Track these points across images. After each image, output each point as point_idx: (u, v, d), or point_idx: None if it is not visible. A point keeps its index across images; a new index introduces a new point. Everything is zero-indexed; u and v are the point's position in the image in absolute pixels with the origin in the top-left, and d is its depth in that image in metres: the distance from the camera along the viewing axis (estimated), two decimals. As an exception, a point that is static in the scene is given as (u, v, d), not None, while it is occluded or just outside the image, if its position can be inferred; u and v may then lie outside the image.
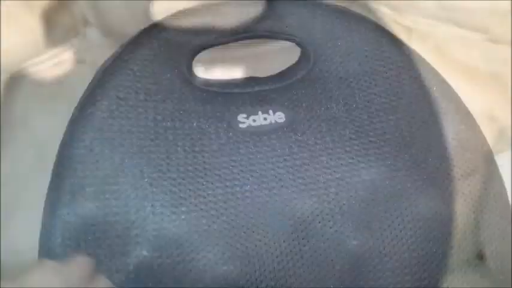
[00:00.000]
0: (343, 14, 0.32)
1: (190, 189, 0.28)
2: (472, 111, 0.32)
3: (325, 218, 0.28)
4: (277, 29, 0.31)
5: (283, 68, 0.32)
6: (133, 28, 0.31)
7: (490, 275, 0.30)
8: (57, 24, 0.36)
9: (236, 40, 0.31)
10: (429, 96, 0.31)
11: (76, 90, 0.29)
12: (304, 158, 0.29)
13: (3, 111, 0.35)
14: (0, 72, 0.35)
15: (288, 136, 0.30)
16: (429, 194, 0.29)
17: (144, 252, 0.27)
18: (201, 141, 0.29)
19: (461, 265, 0.29)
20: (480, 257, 0.30)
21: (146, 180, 0.27)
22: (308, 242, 0.28)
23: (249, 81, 0.32)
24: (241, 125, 0.30)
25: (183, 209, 0.27)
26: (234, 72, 0.35)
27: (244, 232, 0.28)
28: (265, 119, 0.30)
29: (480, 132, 0.31)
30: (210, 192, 0.28)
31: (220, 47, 0.31)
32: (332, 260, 0.28)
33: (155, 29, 0.31)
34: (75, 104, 0.29)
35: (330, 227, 0.28)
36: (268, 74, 0.32)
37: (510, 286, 0.30)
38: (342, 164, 0.29)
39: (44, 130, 0.33)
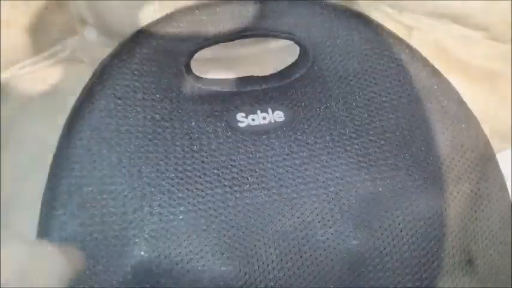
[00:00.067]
0: (343, 12, 0.32)
1: (188, 189, 0.28)
2: (472, 110, 0.31)
3: (325, 218, 0.28)
4: (275, 27, 0.31)
5: (282, 66, 0.32)
6: (131, 27, 0.31)
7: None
8: (54, 23, 0.36)
9: (235, 39, 0.31)
10: (430, 95, 0.31)
11: (74, 90, 0.29)
12: (303, 157, 0.29)
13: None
14: (0, 71, 0.35)
15: (287, 135, 0.29)
16: (430, 193, 0.29)
17: (142, 253, 0.26)
18: (200, 140, 0.29)
19: (463, 265, 0.29)
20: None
21: (144, 180, 0.27)
22: (308, 241, 0.28)
23: (248, 80, 0.31)
24: (240, 124, 0.29)
25: (181, 209, 0.27)
26: (233, 71, 0.35)
27: (243, 232, 0.28)
28: (264, 118, 0.30)
29: (481, 130, 0.31)
30: (208, 192, 0.28)
31: (218, 45, 0.31)
32: (332, 260, 0.28)
33: (153, 28, 0.30)
34: (73, 103, 0.29)
35: (330, 227, 0.28)
36: (267, 73, 0.32)
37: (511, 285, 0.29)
38: (341, 163, 0.29)
39: (41, 130, 0.33)
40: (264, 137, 0.29)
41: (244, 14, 0.31)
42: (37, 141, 0.33)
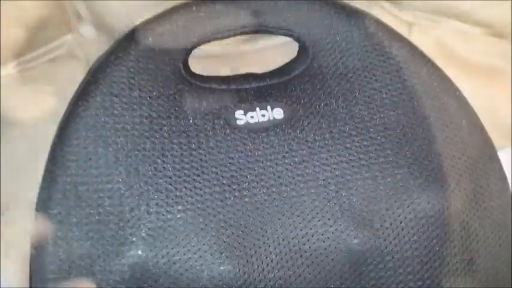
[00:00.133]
0: (342, 8, 0.32)
1: (186, 188, 0.27)
2: (472, 106, 0.31)
3: (325, 216, 0.28)
4: (274, 24, 0.31)
5: (281, 63, 0.32)
6: (127, 24, 0.31)
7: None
8: (50, 20, 0.36)
9: (233, 35, 0.31)
10: (430, 92, 0.30)
11: (69, 87, 0.29)
12: (303, 155, 0.29)
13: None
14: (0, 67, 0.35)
15: (287, 133, 0.29)
16: (431, 191, 0.29)
17: (140, 252, 0.26)
18: (198, 138, 0.28)
19: (465, 264, 0.29)
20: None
21: (141, 178, 0.27)
22: (308, 241, 0.27)
23: (247, 77, 0.31)
24: (238, 122, 0.29)
25: (179, 207, 0.27)
26: (231, 68, 0.35)
27: (242, 231, 0.27)
28: (263, 115, 0.29)
29: (482, 127, 0.31)
30: (207, 190, 0.27)
31: (216, 42, 0.31)
32: (332, 259, 0.27)
33: (150, 25, 0.30)
34: (68, 101, 0.28)
35: (330, 226, 0.28)
36: (266, 70, 0.31)
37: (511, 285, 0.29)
38: (342, 161, 0.29)
39: (36, 127, 0.33)
40: (263, 134, 0.29)
41: (242, 11, 0.31)
42: (32, 138, 0.33)
